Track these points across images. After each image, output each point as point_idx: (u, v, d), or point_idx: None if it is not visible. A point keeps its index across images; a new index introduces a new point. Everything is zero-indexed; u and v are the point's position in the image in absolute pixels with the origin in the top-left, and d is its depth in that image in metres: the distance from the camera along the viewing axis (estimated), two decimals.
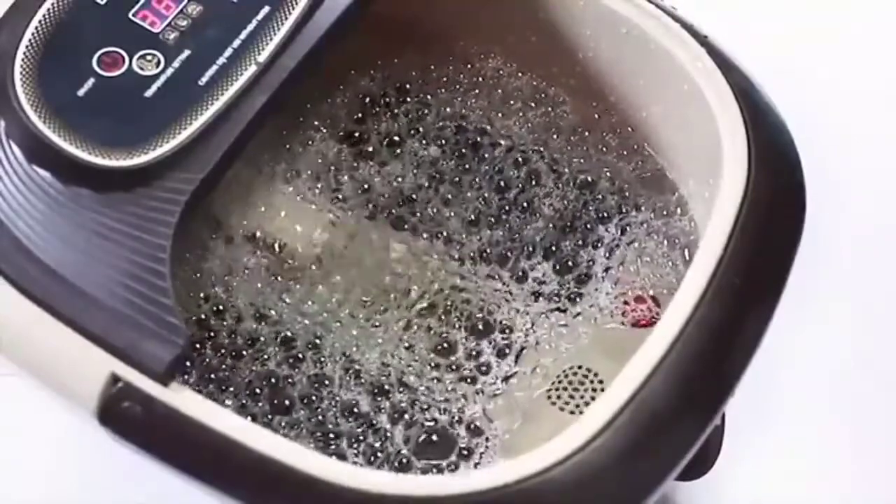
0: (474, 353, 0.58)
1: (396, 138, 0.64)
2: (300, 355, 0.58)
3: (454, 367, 0.58)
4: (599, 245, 0.60)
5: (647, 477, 0.47)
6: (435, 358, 0.58)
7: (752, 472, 0.67)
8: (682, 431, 0.47)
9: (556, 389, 0.57)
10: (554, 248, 0.60)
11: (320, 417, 0.56)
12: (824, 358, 0.70)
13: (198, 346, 0.58)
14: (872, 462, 0.68)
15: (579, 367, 0.58)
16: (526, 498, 0.45)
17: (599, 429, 0.46)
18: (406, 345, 0.59)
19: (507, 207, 0.61)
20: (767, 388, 0.68)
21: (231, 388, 0.57)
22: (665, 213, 0.59)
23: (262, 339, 0.58)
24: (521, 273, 0.60)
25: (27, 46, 0.53)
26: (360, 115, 0.64)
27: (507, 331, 0.59)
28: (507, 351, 0.58)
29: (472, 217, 0.61)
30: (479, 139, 0.63)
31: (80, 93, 0.52)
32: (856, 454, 0.68)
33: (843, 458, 0.68)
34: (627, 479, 0.46)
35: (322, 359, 0.58)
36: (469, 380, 0.58)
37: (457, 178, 0.62)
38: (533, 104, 0.62)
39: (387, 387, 0.57)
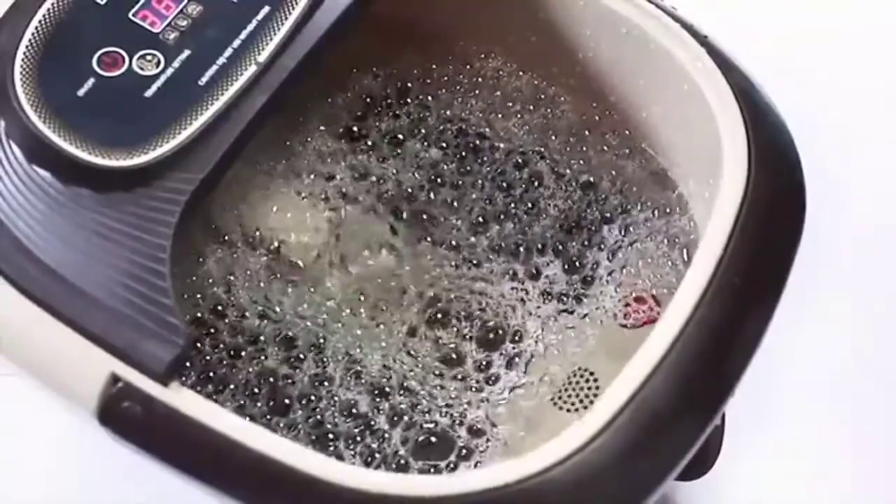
0: (483, 364, 0.58)
1: (397, 138, 0.63)
2: (301, 355, 0.58)
3: (461, 376, 0.58)
4: (603, 246, 0.60)
5: (647, 477, 0.47)
6: (440, 367, 0.58)
7: (752, 472, 0.67)
8: (682, 431, 0.47)
9: (560, 392, 0.57)
10: (560, 248, 0.60)
11: (318, 417, 0.56)
12: (824, 358, 0.70)
13: (198, 345, 0.58)
14: (872, 462, 0.68)
15: (582, 370, 0.57)
16: (526, 498, 0.45)
17: (599, 429, 0.46)
18: (408, 350, 0.58)
19: (511, 207, 0.61)
20: (767, 388, 0.68)
21: (231, 387, 0.57)
22: (665, 213, 0.59)
23: (262, 338, 0.58)
24: (534, 271, 0.60)
25: (27, 46, 0.53)
26: (360, 114, 0.64)
27: (517, 336, 0.59)
28: (517, 360, 0.58)
29: (476, 217, 0.61)
30: (479, 140, 0.63)
31: (80, 93, 0.52)
32: (856, 454, 0.68)
33: (843, 458, 0.68)
34: (627, 479, 0.46)
35: (325, 359, 0.58)
36: (474, 388, 0.57)
37: (459, 179, 0.62)
38: (533, 105, 0.62)
39: (387, 389, 0.57)
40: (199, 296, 0.59)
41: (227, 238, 0.61)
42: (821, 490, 0.67)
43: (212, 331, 0.58)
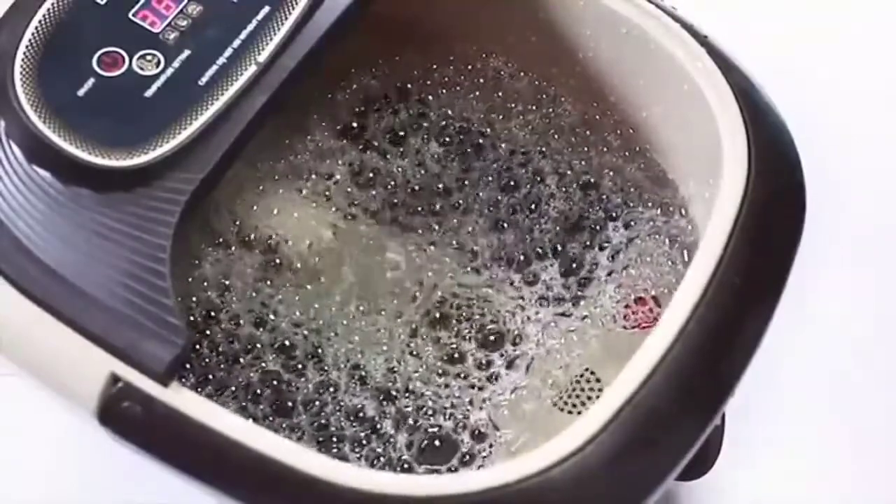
0: (484, 363, 0.58)
1: (398, 139, 0.63)
2: (301, 362, 0.58)
3: (463, 375, 0.58)
4: (605, 247, 0.60)
5: (647, 477, 0.47)
6: (443, 366, 0.58)
7: (752, 472, 0.67)
8: (682, 431, 0.47)
9: (563, 395, 0.57)
10: (560, 250, 0.60)
11: (323, 421, 0.56)
12: (824, 358, 0.70)
13: (198, 347, 0.58)
14: (872, 462, 0.68)
15: (585, 371, 0.57)
16: (526, 498, 0.45)
17: (599, 429, 0.46)
18: (412, 352, 0.58)
19: (512, 209, 0.61)
20: (767, 388, 0.68)
21: (232, 391, 0.57)
22: (665, 213, 0.59)
23: (262, 342, 0.58)
24: (532, 277, 0.60)
25: (27, 46, 0.53)
26: (360, 115, 0.64)
27: (517, 339, 0.58)
28: (518, 362, 0.58)
29: (476, 219, 0.61)
30: (480, 141, 0.63)
31: (80, 93, 0.52)
32: (856, 454, 0.68)
33: (843, 458, 0.68)
34: (627, 479, 0.46)
35: (325, 367, 0.58)
36: (476, 387, 0.57)
37: (460, 180, 0.62)
38: (533, 105, 0.62)
39: (393, 392, 0.57)
40: (198, 298, 0.59)
41: (225, 240, 0.61)
42: (821, 490, 0.67)
43: (212, 334, 0.58)
